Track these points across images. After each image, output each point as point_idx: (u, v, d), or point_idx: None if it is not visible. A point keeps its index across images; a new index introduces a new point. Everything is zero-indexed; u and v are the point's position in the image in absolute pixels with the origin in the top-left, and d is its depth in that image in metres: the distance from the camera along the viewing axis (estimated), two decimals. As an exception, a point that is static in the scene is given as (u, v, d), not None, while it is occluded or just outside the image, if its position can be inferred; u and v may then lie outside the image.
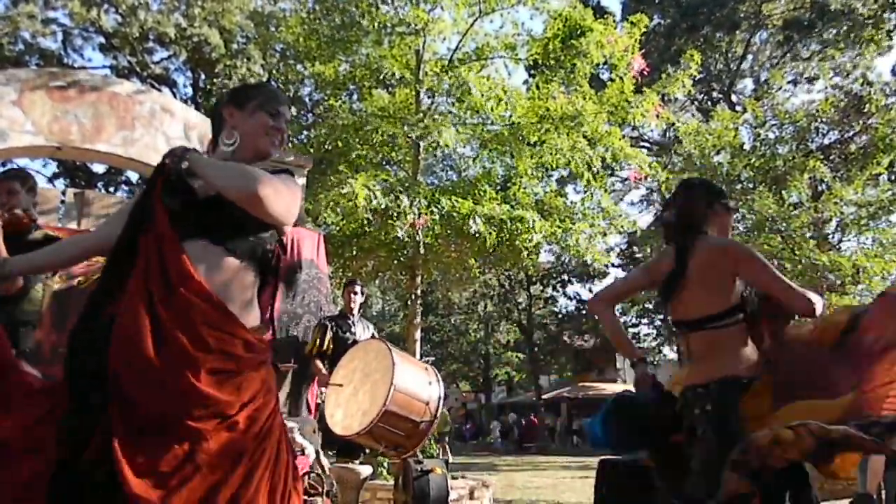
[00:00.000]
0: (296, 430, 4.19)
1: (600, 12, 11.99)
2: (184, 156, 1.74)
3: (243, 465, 1.56)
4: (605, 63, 10.15)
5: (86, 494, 1.48)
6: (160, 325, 1.55)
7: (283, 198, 1.69)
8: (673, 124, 13.71)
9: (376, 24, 9.48)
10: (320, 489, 4.95)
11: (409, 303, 9.73)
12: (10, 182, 3.10)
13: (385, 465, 6.16)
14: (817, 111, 12.61)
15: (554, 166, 9.93)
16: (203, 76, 17.25)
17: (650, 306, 21.61)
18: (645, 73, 10.11)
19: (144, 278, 1.60)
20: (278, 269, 1.94)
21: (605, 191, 11.35)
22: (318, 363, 5.02)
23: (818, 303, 2.43)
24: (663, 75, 10.90)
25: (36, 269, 2.29)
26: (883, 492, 6.08)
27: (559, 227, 9.55)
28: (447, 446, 12.65)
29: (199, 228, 1.70)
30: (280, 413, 1.77)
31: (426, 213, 8.68)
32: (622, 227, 11.30)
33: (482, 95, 9.38)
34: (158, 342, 1.54)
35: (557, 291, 28.86)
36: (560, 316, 30.14)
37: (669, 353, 25.32)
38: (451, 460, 10.57)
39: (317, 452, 4.30)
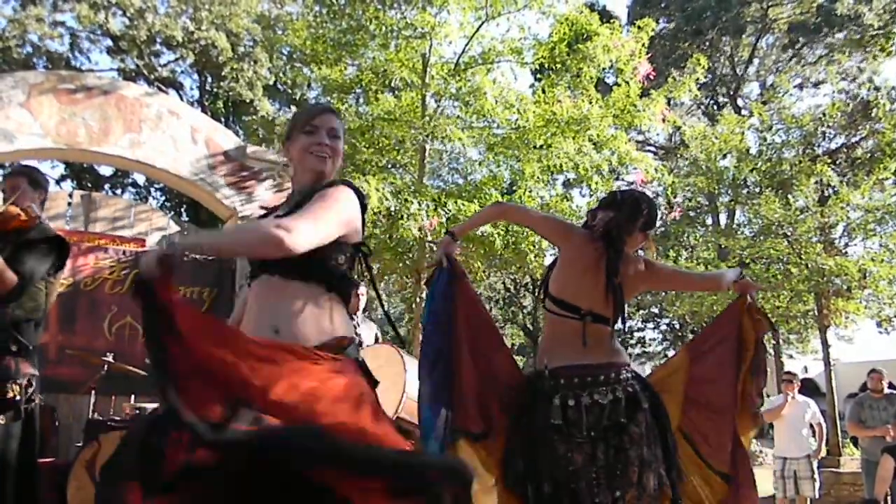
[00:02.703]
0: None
1: (606, 17, 11.95)
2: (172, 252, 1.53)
3: None
4: (611, 67, 10.14)
5: None
6: None
7: (299, 234, 1.66)
8: (679, 128, 13.67)
9: (383, 28, 9.48)
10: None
11: (414, 306, 9.71)
12: (14, 179, 3.07)
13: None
14: (824, 115, 12.54)
15: (560, 170, 9.92)
16: (210, 79, 17.30)
17: (656, 311, 21.54)
18: (651, 77, 10.09)
19: None
20: (347, 278, 1.93)
21: (611, 195, 11.27)
22: None
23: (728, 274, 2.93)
24: (669, 79, 10.87)
25: None
26: (889, 497, 6.05)
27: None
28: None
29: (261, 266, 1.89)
30: None
31: (434, 216, 8.69)
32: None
33: (494, 100, 9.37)
34: None
35: (562, 295, 28.79)
36: (565, 320, 30.02)
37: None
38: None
39: None
